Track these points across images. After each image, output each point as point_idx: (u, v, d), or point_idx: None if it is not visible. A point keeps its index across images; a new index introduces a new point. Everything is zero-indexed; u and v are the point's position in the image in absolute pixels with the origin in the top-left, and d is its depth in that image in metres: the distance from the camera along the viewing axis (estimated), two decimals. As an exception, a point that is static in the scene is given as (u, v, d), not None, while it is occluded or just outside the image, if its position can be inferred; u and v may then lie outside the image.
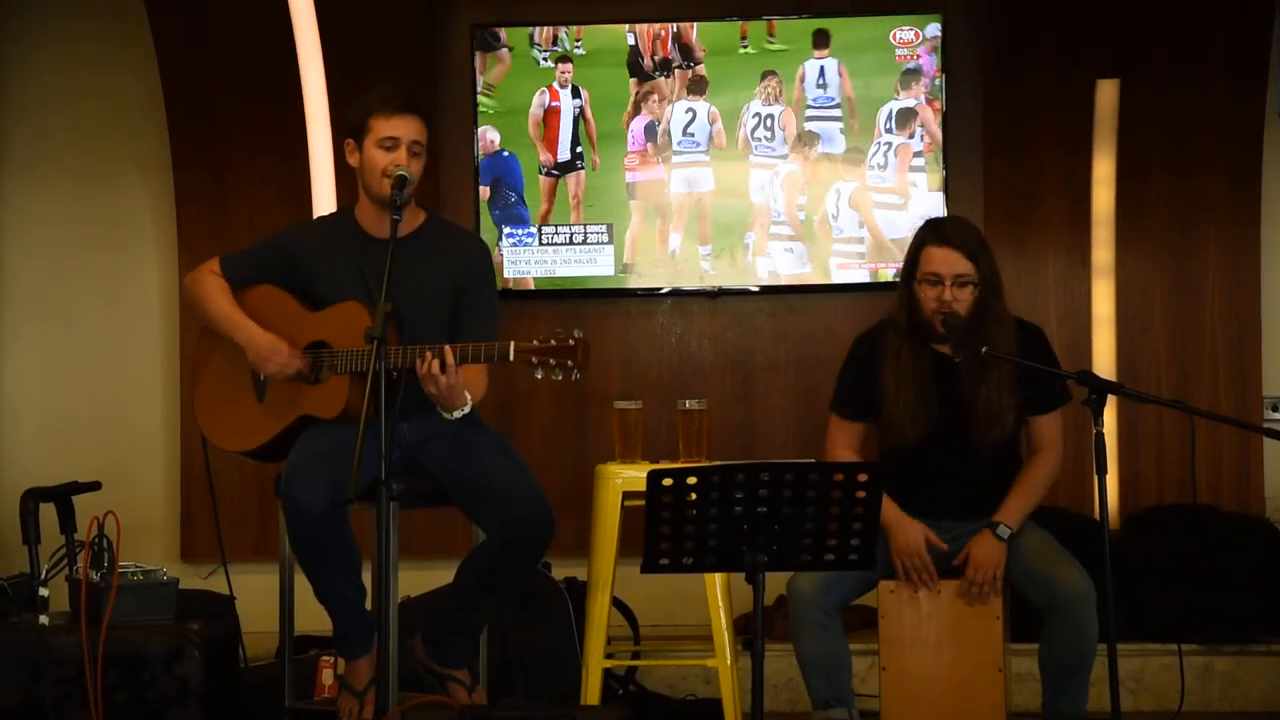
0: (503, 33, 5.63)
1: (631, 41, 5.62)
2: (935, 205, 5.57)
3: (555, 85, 5.65)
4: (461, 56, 5.71)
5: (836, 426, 4.18)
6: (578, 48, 5.62)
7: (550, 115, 5.65)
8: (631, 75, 5.63)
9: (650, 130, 5.63)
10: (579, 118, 5.64)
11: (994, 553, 3.96)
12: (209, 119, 5.74)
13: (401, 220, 3.68)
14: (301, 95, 5.13)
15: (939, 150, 5.58)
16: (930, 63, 5.56)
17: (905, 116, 5.57)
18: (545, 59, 5.63)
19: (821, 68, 5.58)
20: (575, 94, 5.64)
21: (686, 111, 5.63)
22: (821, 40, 5.57)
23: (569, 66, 5.63)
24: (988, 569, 3.95)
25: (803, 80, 5.60)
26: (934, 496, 4.07)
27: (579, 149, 5.65)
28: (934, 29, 5.57)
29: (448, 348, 3.62)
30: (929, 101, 5.56)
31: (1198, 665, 4.88)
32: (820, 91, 5.59)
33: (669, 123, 5.62)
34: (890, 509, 3.95)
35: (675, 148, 5.63)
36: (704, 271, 5.65)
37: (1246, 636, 4.97)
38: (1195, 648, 4.88)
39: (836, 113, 5.60)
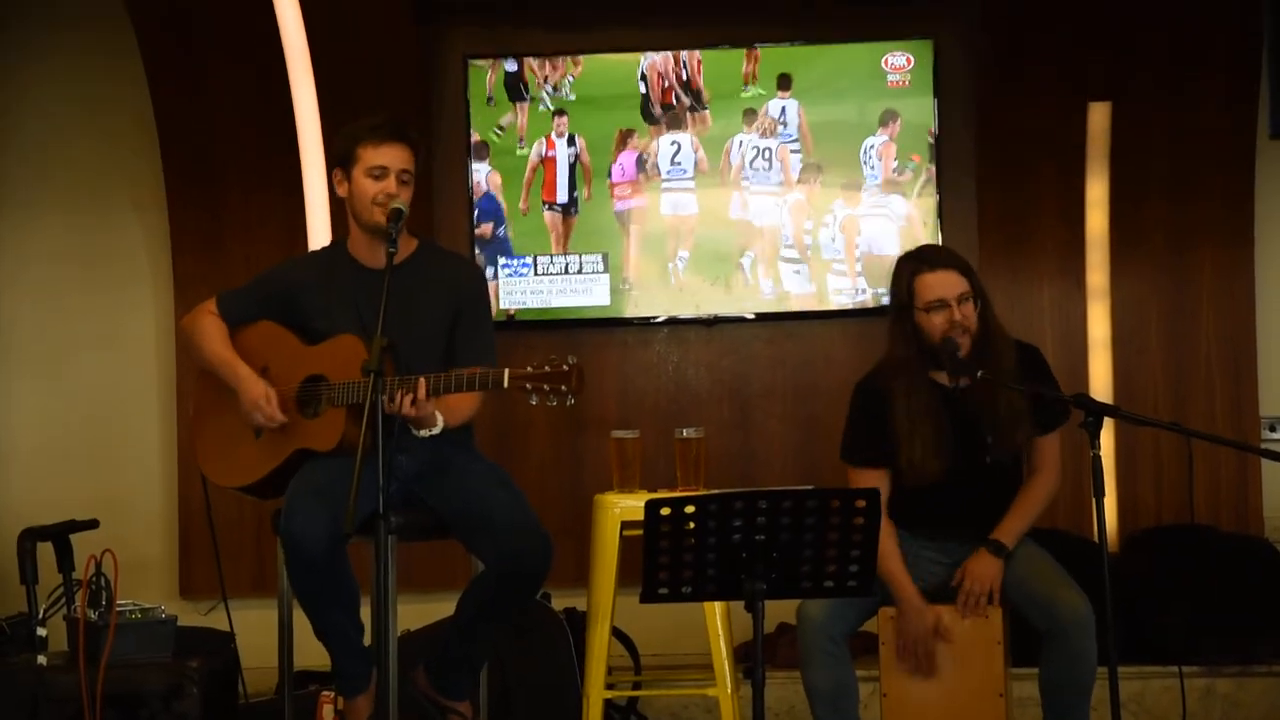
0: (529, 78, 5.67)
1: (643, 90, 5.67)
2: (929, 228, 5.59)
3: (553, 135, 5.68)
4: (455, 88, 5.73)
5: (859, 477, 4.07)
6: (569, 94, 5.67)
7: (548, 164, 5.68)
8: (643, 116, 5.69)
9: (640, 162, 5.66)
10: (575, 163, 5.67)
11: (990, 568, 3.96)
12: (204, 157, 5.73)
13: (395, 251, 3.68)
14: (297, 132, 5.13)
15: (932, 177, 5.61)
16: (920, 104, 5.60)
17: (896, 152, 5.62)
18: (546, 105, 5.68)
19: (784, 108, 5.67)
20: (570, 142, 5.67)
21: (671, 144, 5.66)
22: (784, 83, 5.67)
23: (564, 119, 5.66)
24: (984, 582, 3.95)
25: (765, 115, 5.70)
26: (944, 520, 4.06)
27: (575, 193, 5.67)
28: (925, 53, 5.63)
29: (422, 380, 3.60)
30: (901, 134, 5.63)
31: (1199, 687, 4.87)
32: (782, 129, 5.67)
33: (656, 156, 5.66)
34: (904, 582, 3.95)
35: (664, 177, 5.67)
36: (700, 299, 5.66)
37: (1248, 657, 4.96)
38: (1196, 669, 4.87)
39: (795, 146, 5.66)
